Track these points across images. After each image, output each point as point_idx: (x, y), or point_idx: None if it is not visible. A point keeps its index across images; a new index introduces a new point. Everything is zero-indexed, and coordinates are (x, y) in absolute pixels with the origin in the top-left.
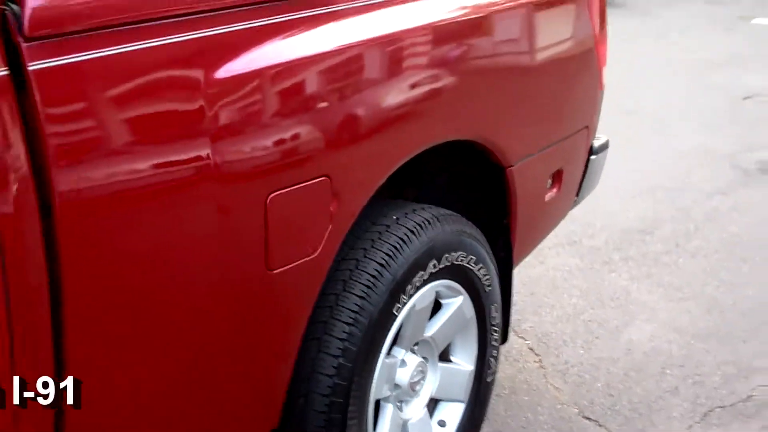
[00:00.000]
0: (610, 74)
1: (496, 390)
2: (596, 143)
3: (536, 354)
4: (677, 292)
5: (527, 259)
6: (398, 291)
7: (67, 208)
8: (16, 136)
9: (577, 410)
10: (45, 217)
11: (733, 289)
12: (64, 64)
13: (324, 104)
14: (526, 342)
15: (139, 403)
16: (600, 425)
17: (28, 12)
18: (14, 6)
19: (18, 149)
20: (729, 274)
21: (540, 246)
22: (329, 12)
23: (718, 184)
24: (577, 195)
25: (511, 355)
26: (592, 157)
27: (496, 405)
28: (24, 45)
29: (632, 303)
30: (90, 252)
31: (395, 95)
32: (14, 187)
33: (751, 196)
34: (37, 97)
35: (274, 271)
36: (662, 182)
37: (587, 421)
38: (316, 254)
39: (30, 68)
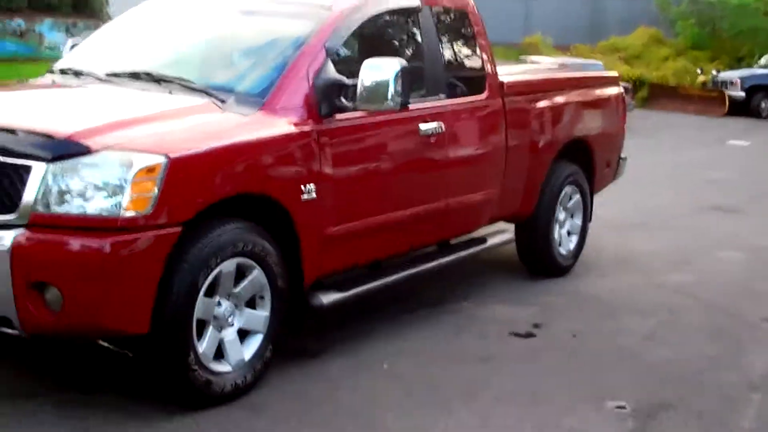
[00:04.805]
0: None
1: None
2: (623, 156)
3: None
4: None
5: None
6: (563, 184)
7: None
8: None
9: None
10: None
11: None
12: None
13: (562, 120)
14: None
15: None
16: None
17: (506, 86)
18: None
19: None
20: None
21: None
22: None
23: (682, 211)
24: (614, 177)
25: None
26: (621, 160)
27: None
28: (504, 92)
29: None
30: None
31: (571, 120)
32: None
33: (697, 217)
34: (506, 108)
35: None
36: (645, 203)
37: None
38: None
39: (505, 98)
